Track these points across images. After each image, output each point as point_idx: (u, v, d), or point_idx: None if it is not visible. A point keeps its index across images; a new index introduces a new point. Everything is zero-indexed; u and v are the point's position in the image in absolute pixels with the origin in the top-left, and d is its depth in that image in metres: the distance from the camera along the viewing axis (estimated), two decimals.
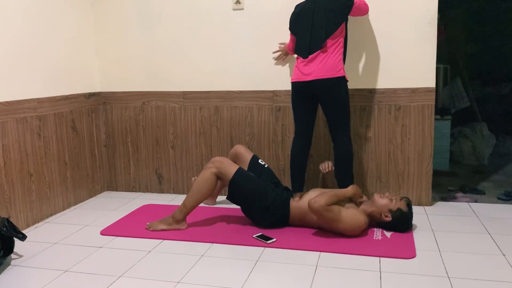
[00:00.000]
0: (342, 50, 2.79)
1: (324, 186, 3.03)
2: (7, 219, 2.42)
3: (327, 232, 2.62)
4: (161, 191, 3.68)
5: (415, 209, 2.83)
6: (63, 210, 3.28)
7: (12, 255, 2.46)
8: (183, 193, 3.58)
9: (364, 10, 2.95)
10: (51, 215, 3.16)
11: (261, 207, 2.71)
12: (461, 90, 4.85)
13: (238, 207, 2.88)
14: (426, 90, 3.05)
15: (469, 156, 4.50)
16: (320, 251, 2.42)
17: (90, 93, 3.59)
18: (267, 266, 2.28)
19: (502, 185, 3.70)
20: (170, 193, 3.66)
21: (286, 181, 3.24)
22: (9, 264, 2.37)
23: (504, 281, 2.05)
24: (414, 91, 3.07)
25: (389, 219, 2.61)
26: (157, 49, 3.51)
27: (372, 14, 3.04)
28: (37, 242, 2.66)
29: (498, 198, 3.35)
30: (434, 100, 3.08)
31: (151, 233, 2.75)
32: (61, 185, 3.26)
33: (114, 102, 3.68)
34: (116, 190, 3.78)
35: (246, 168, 2.91)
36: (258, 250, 2.47)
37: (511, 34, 5.63)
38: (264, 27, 3.26)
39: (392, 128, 3.15)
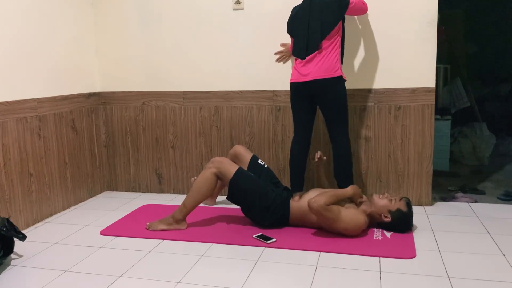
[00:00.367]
0: (339, 49, 2.80)
1: (319, 183, 3.05)
2: (7, 219, 2.42)
3: (327, 232, 2.62)
4: (161, 191, 3.68)
5: (415, 209, 2.83)
6: (63, 210, 3.28)
7: (12, 255, 2.46)
8: (183, 193, 3.58)
9: (363, 10, 2.95)
10: (51, 215, 3.16)
11: (261, 207, 2.71)
12: (461, 90, 4.85)
13: (238, 207, 2.88)
14: (426, 90, 3.05)
15: (469, 156, 4.50)
16: (320, 251, 2.42)
17: (90, 93, 3.59)
18: (267, 266, 2.28)
19: (502, 185, 3.70)
20: (170, 193, 3.66)
21: (286, 181, 3.24)
22: (9, 264, 2.37)
23: (504, 281, 2.05)
24: (414, 91, 3.07)
25: (388, 219, 2.61)
26: (157, 49, 3.52)
27: (372, 14, 3.04)
28: (37, 242, 2.66)
29: (498, 198, 3.35)
30: (434, 100, 3.08)
31: (151, 233, 2.75)
32: (61, 185, 3.26)
33: (114, 102, 3.68)
34: (116, 190, 3.78)
35: (246, 168, 2.91)
36: (258, 250, 2.47)
37: (511, 34, 5.63)
38: (264, 27, 3.26)
39: (392, 128, 3.15)
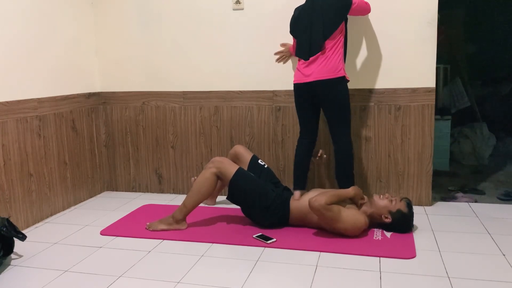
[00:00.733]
0: (342, 50, 2.79)
1: (319, 182, 3.06)
2: (7, 219, 2.42)
3: (327, 232, 2.62)
4: (161, 191, 3.68)
5: (415, 209, 2.83)
6: (63, 210, 3.28)
7: (12, 255, 2.46)
8: (183, 193, 3.58)
9: (365, 10, 2.95)
10: (51, 215, 3.16)
11: (261, 207, 2.71)
12: (461, 90, 4.85)
13: (238, 207, 2.88)
14: (426, 90, 3.05)
15: (469, 156, 4.50)
16: (320, 251, 2.42)
17: (90, 93, 3.59)
18: (267, 266, 2.28)
19: (502, 185, 3.70)
20: (170, 193, 3.66)
21: (286, 181, 3.25)
22: (9, 264, 2.37)
23: (504, 281, 2.05)
24: (414, 91, 3.07)
25: (389, 220, 2.61)
26: (157, 49, 3.52)
27: (372, 14, 3.04)
28: (37, 242, 2.66)
29: (498, 198, 3.35)
30: (434, 100, 3.08)
31: (151, 233, 2.75)
32: (61, 185, 3.26)
33: (114, 102, 3.68)
34: (116, 190, 3.78)
35: (246, 168, 2.91)
36: (258, 250, 2.47)
37: (511, 34, 5.63)
38: (264, 27, 3.26)
39: (392, 128, 3.15)
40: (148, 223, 2.83)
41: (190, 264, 2.31)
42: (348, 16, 2.82)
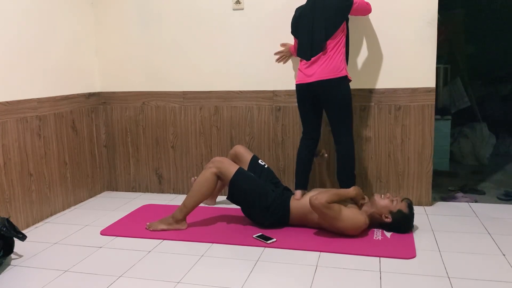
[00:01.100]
0: (344, 50, 2.79)
1: (320, 181, 3.06)
2: (7, 219, 2.42)
3: (327, 232, 2.62)
4: (161, 191, 3.68)
5: (415, 209, 2.83)
6: (63, 210, 3.28)
7: (12, 255, 2.46)
8: (183, 193, 3.58)
9: (366, 10, 2.95)
10: (51, 215, 3.16)
11: (261, 207, 2.71)
12: (461, 90, 4.85)
13: (238, 207, 2.88)
14: (426, 90, 3.05)
15: (469, 156, 4.50)
16: (320, 251, 2.42)
17: (90, 93, 3.59)
18: (267, 266, 2.28)
19: (502, 185, 3.70)
20: (170, 193, 3.66)
21: (286, 181, 3.25)
22: (9, 264, 2.37)
23: (504, 281, 2.05)
24: (414, 91, 3.07)
25: (389, 220, 2.61)
26: (157, 49, 3.51)
27: (372, 14, 3.04)
28: (37, 242, 2.66)
29: (498, 198, 3.35)
30: (434, 100, 3.08)
31: (151, 233, 2.75)
32: (61, 185, 3.26)
33: (114, 102, 3.68)
34: (116, 190, 3.78)
35: (246, 169, 2.91)
36: (258, 250, 2.47)
37: (511, 34, 5.63)
38: (264, 27, 3.26)
39: (392, 128, 3.15)
40: (148, 223, 2.83)
41: (190, 264, 2.31)
42: (349, 16, 2.82)
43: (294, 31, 2.96)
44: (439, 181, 3.73)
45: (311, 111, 2.89)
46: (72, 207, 3.36)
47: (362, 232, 2.61)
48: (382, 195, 2.68)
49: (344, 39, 2.80)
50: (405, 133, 3.13)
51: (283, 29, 3.03)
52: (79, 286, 2.14)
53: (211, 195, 3.13)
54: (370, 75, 3.13)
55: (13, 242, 2.42)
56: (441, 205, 3.21)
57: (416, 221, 2.75)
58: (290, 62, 3.24)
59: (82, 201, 3.49)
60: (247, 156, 3.04)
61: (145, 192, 3.72)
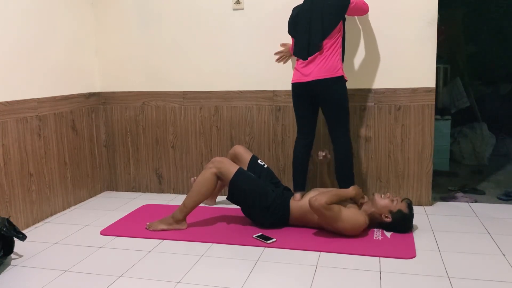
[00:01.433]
0: (340, 49, 2.80)
1: (321, 180, 3.05)
2: (7, 219, 2.42)
3: (327, 232, 2.62)
4: (161, 191, 3.68)
5: (415, 209, 2.83)
6: (63, 210, 3.28)
7: (12, 255, 2.46)
8: (183, 193, 3.58)
9: (363, 10, 2.94)
10: (51, 215, 3.16)
11: (261, 207, 2.71)
12: (461, 90, 4.85)
13: (238, 207, 2.88)
14: (426, 90, 3.05)
15: (469, 156, 4.50)
16: (320, 251, 2.42)
17: (90, 93, 3.59)
18: (267, 266, 2.28)
19: (502, 185, 3.70)
20: (170, 193, 3.66)
21: (286, 181, 3.25)
22: (9, 264, 2.37)
23: (504, 281, 2.05)
24: (414, 91, 3.07)
25: (389, 220, 2.61)
26: (157, 49, 3.52)
27: (372, 14, 3.04)
28: (37, 242, 2.66)
29: (498, 198, 3.35)
30: (434, 100, 3.08)
31: (151, 233, 2.75)
32: (61, 185, 3.26)
33: (114, 102, 3.68)
34: (116, 190, 3.78)
35: (245, 169, 2.91)
36: (258, 250, 2.47)
37: (511, 34, 5.63)
38: (264, 27, 3.26)
39: (392, 128, 3.15)
40: (148, 223, 2.83)
41: (190, 264, 2.31)
42: (346, 16, 2.82)
43: (291, 31, 2.96)
44: (439, 181, 3.73)
45: (307, 111, 2.89)
46: (72, 207, 3.36)
47: (362, 232, 2.61)
48: (382, 195, 2.68)
49: (341, 39, 2.80)
50: (405, 133, 3.13)
51: (283, 29, 3.03)
52: (79, 286, 2.14)
53: (211, 195, 3.14)
54: (370, 75, 3.13)
55: (13, 242, 2.42)
56: (441, 205, 3.21)
57: (416, 221, 2.75)
58: (290, 62, 3.24)
59: (82, 201, 3.49)
60: (246, 156, 3.04)
61: (145, 192, 3.72)
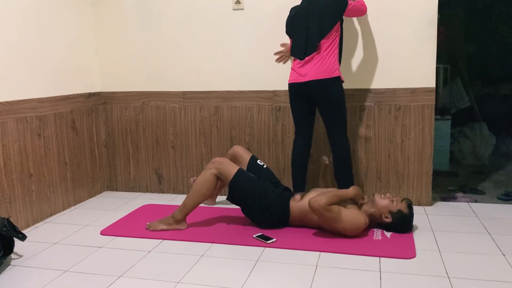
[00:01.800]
0: (337, 50, 2.80)
1: (325, 181, 3.06)
2: (7, 219, 2.42)
3: (327, 232, 2.62)
4: (161, 191, 3.68)
5: (415, 209, 2.84)
6: (63, 210, 3.28)
7: (12, 255, 2.46)
8: (183, 193, 3.58)
9: (361, 12, 2.94)
10: (51, 215, 3.16)
11: (261, 208, 2.71)
12: (461, 90, 4.85)
13: (238, 207, 2.88)
14: (426, 90, 3.05)
15: (469, 156, 4.50)
16: (320, 251, 2.42)
17: (90, 93, 3.59)
18: (267, 266, 2.28)
19: (502, 185, 3.70)
20: (170, 193, 3.66)
21: (286, 181, 3.25)
22: (9, 264, 2.37)
23: (504, 281, 2.06)
24: (414, 91, 3.07)
25: (389, 220, 2.61)
26: (157, 49, 3.52)
27: (372, 14, 3.04)
28: (37, 242, 2.66)
29: (498, 198, 3.35)
30: (434, 100, 3.08)
31: (151, 233, 2.75)
32: (61, 185, 3.26)
33: (114, 102, 3.68)
34: (116, 190, 3.78)
35: (245, 169, 2.91)
36: (258, 250, 2.47)
37: (511, 34, 5.63)
38: (264, 27, 3.26)
39: (392, 128, 3.15)
40: (148, 223, 2.83)
41: (190, 264, 2.31)
42: (344, 17, 2.82)
43: (288, 31, 2.96)
44: (439, 181, 3.73)
45: (304, 111, 2.89)
46: (72, 207, 3.36)
47: (362, 232, 2.61)
48: (382, 195, 2.68)
49: (338, 40, 2.80)
50: (405, 133, 3.13)
51: (283, 29, 3.03)
52: (79, 286, 2.14)
53: (211, 195, 3.14)
54: (370, 75, 3.13)
55: (13, 242, 2.42)
56: (441, 205, 3.21)
57: (416, 221, 2.75)
58: (290, 62, 3.24)
59: (82, 201, 3.49)
60: (245, 156, 3.04)
61: (145, 192, 3.72)
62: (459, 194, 3.41)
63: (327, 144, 3.13)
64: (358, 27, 3.09)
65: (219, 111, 3.45)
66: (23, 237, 2.44)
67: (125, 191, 3.76)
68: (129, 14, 3.54)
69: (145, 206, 3.33)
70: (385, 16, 3.04)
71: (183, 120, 3.54)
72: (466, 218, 2.93)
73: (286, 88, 3.14)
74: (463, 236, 2.61)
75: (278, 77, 3.26)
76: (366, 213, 2.65)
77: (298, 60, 2.83)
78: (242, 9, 3.28)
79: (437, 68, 3.23)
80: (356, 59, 3.14)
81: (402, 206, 2.63)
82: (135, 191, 3.74)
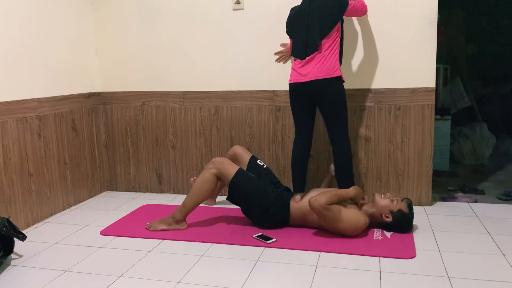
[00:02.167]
0: (338, 50, 2.80)
1: (330, 185, 3.06)
2: (7, 219, 2.42)
3: (327, 232, 2.62)
4: (161, 191, 3.68)
5: (415, 209, 2.84)
6: (63, 210, 3.28)
7: (12, 255, 2.46)
8: (183, 193, 3.58)
9: (361, 12, 2.94)
10: (51, 215, 3.16)
11: (261, 208, 2.71)
12: (461, 90, 4.85)
13: (238, 207, 2.88)
14: (426, 90, 3.05)
15: (469, 156, 4.50)
16: (320, 251, 2.42)
17: (90, 93, 3.59)
18: (267, 266, 2.28)
19: (502, 185, 3.70)
20: (170, 193, 3.66)
21: (286, 181, 3.25)
22: (9, 264, 2.37)
23: (504, 281, 2.05)
24: (414, 91, 3.07)
25: (389, 220, 2.61)
26: (157, 49, 3.52)
27: (372, 14, 3.04)
28: (37, 242, 2.66)
29: (498, 198, 3.35)
30: (434, 100, 3.08)
31: (151, 233, 2.75)
32: (61, 185, 3.26)
33: (114, 102, 3.68)
34: (116, 190, 3.78)
35: (245, 169, 2.91)
36: (258, 250, 2.47)
37: (511, 33, 5.63)
38: (264, 27, 3.26)
39: (392, 128, 3.15)
40: (148, 223, 2.83)
41: (190, 264, 2.31)
42: (344, 17, 2.82)
43: (289, 31, 2.96)
44: (439, 181, 3.73)
45: (304, 111, 2.89)
46: (72, 207, 3.36)
47: (362, 232, 2.61)
48: (383, 195, 2.68)
49: (339, 40, 2.80)
50: (405, 133, 3.13)
51: (283, 29, 3.03)
52: (79, 286, 2.14)
53: (211, 195, 3.13)
54: (370, 75, 3.13)
55: (13, 242, 2.42)
56: (441, 205, 3.21)
57: (416, 221, 2.75)
58: (290, 62, 3.24)
59: (82, 201, 3.49)
60: (245, 156, 3.04)
61: (145, 192, 3.72)
62: (459, 194, 3.41)
63: (327, 144, 3.14)
64: (358, 27, 3.09)
65: (219, 111, 3.45)
66: (23, 237, 2.44)
67: (125, 191, 3.76)
68: (129, 14, 3.54)
69: (145, 206, 3.33)
70: (385, 16, 3.04)
71: (183, 120, 3.54)
72: (466, 218, 2.93)
73: (286, 88, 3.14)
74: (463, 236, 2.61)
75: (278, 77, 3.26)
76: (367, 213, 2.65)
77: (298, 60, 2.83)
78: (242, 9, 3.28)
79: (437, 68, 3.23)
80: (356, 59, 3.14)
81: (403, 206, 2.63)
82: (135, 191, 3.74)
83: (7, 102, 2.79)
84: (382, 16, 3.04)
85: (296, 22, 2.87)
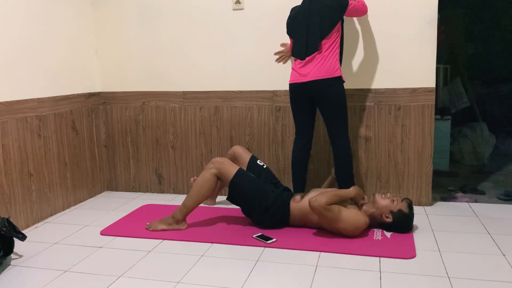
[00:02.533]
0: (338, 50, 2.80)
1: (331, 187, 3.06)
2: (7, 219, 2.42)
3: (327, 232, 2.62)
4: (161, 191, 3.68)
5: (415, 209, 2.83)
6: (63, 210, 3.28)
7: (12, 255, 2.46)
8: (183, 193, 3.58)
9: (362, 12, 2.94)
10: (51, 215, 3.16)
11: (261, 208, 2.71)
12: (461, 90, 4.85)
13: (238, 207, 2.88)
14: (426, 90, 3.05)
15: (469, 156, 4.50)
16: (320, 251, 2.42)
17: (90, 93, 3.59)
18: (267, 266, 2.28)
19: (502, 185, 3.70)
20: (170, 193, 3.66)
21: (286, 181, 3.25)
22: (9, 264, 2.37)
23: (504, 281, 2.06)
24: (414, 91, 3.07)
25: (389, 220, 2.61)
26: (157, 49, 3.52)
27: (372, 14, 3.04)
28: (37, 242, 2.66)
29: (498, 198, 3.35)
30: (434, 100, 3.08)
31: (151, 233, 2.75)
32: (61, 185, 3.26)
33: (114, 102, 3.68)
34: (116, 190, 3.78)
35: (245, 169, 2.91)
36: (258, 250, 2.47)
37: (511, 33, 5.63)
38: (264, 27, 3.26)
39: (392, 128, 3.15)
40: (148, 223, 2.83)
41: (190, 264, 2.31)
42: (344, 17, 2.82)
43: (289, 31, 2.96)
44: (439, 181, 3.73)
45: (305, 111, 2.89)
46: (72, 207, 3.36)
47: (362, 232, 2.61)
48: (383, 195, 2.68)
49: (339, 40, 2.80)
50: (405, 133, 3.13)
51: (283, 29, 3.03)
52: (79, 286, 2.14)
53: (211, 195, 3.13)
54: (370, 75, 3.13)
55: (13, 242, 2.42)
56: (441, 205, 3.21)
57: (416, 221, 2.75)
58: (290, 62, 3.24)
59: (82, 201, 3.49)
60: (245, 156, 3.04)
61: (145, 192, 3.72)
62: (459, 194, 3.41)
63: (327, 144, 3.14)
64: (358, 27, 3.09)
65: (219, 111, 3.45)
66: (23, 237, 2.44)
67: (125, 191, 3.76)
68: (129, 14, 3.54)
69: (145, 206, 3.33)
70: (385, 16, 3.04)
71: (183, 120, 3.54)
72: (466, 218, 2.93)
73: (286, 88, 3.14)
74: (463, 236, 2.61)
75: (278, 77, 3.26)
76: (367, 213, 2.64)
77: (298, 60, 2.83)
78: (242, 9, 3.28)
79: (437, 68, 3.23)
80: (357, 59, 3.14)
81: (403, 206, 2.63)
82: (135, 191, 3.74)
83: (7, 102, 2.79)
84: (382, 16, 3.04)
85: (296, 22, 2.87)
